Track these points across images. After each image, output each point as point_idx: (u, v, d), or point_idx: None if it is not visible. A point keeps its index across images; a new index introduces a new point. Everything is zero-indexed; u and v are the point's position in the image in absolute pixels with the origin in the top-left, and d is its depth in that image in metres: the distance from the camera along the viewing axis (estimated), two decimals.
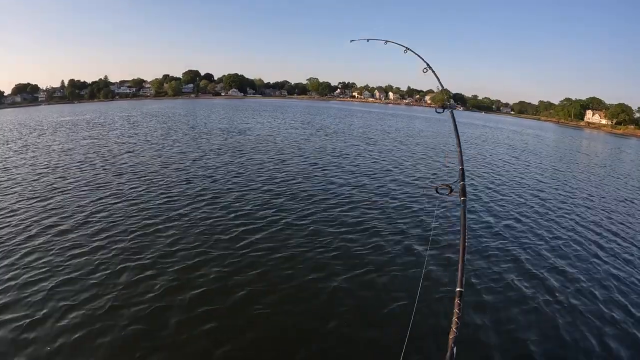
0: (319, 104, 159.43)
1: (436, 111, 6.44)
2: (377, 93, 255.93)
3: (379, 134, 50.34)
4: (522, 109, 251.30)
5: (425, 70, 7.30)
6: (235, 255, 12.35)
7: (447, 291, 10.34)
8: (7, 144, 38.12)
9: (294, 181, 21.95)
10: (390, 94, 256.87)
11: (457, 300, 3.23)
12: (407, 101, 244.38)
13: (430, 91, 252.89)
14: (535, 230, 16.23)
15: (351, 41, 11.06)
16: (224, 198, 18.46)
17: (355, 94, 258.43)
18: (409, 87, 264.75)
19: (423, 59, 7.58)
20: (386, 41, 9.53)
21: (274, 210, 16.79)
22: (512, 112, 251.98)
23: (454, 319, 3.09)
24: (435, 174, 26.02)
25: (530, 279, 11.73)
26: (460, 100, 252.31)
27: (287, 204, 17.77)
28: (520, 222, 17.08)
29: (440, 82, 7.70)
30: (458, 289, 3.32)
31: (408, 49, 8.46)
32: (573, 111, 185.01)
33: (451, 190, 4.55)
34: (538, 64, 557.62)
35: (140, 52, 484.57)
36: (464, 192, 4.51)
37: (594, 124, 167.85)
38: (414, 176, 24.57)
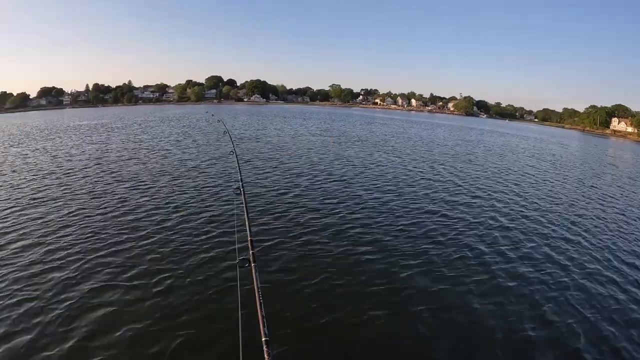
0: (341, 111, 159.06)
1: None
2: (399, 100, 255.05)
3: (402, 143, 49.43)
4: (545, 116, 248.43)
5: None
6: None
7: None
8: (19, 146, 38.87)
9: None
10: (413, 100, 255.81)
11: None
12: (429, 108, 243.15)
13: (453, 98, 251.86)
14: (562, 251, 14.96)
15: None
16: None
17: (377, 100, 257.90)
18: (431, 94, 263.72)
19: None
20: None
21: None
22: (536, 120, 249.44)
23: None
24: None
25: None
26: (483, 107, 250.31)
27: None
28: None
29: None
30: (263, 339, 3.40)
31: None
32: (598, 119, 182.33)
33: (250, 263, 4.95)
34: (562, 71, 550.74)
35: (164, 58, 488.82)
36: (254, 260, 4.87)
37: (620, 132, 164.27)
38: None
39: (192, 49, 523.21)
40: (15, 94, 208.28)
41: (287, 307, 9.70)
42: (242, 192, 8.90)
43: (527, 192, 23.76)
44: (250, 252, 5.12)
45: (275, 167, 26.77)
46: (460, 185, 23.95)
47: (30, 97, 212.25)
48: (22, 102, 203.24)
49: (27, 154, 33.67)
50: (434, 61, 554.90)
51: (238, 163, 12.77)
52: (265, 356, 3.22)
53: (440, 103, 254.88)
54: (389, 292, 10.68)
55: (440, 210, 18.24)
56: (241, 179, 10.27)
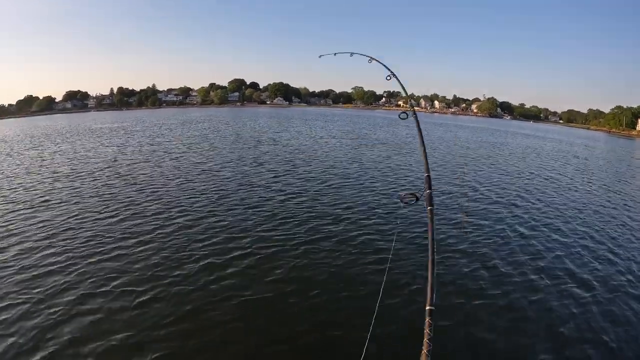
0: (363, 113, 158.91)
1: (400, 116, 6.19)
2: (422, 102, 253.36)
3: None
4: (570, 117, 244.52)
5: (388, 78, 7.36)
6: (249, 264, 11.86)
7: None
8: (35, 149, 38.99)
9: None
10: (436, 102, 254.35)
11: (427, 320, 3.02)
12: (453, 110, 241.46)
13: (476, 100, 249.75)
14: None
15: (320, 56, 10.79)
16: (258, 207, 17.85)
17: (400, 102, 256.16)
18: (455, 96, 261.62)
19: (387, 67, 7.62)
20: (352, 53, 9.49)
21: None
22: (561, 121, 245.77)
23: (425, 340, 2.92)
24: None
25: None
26: (507, 108, 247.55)
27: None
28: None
29: (404, 89, 7.57)
30: (428, 307, 3.10)
31: (373, 58, 8.41)
32: (624, 120, 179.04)
33: (417, 199, 4.26)
34: (587, 71, 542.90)
35: (188, 61, 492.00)
36: (430, 201, 4.17)
37: None
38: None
39: (216, 53, 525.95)
40: (41, 97, 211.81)
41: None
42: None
43: (548, 198, 22.91)
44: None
45: (288, 171, 26.57)
46: (478, 190, 23.31)
47: (56, 100, 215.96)
48: (48, 106, 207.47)
49: (44, 157, 34.18)
50: (457, 62, 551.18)
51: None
52: (426, 327, 2.99)
53: (464, 105, 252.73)
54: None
55: (455, 217, 17.64)
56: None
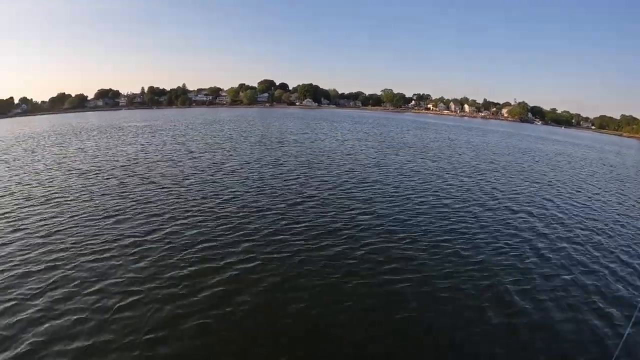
0: (392, 116, 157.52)
1: None
2: (452, 105, 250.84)
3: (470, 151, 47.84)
4: (603, 123, 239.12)
5: None
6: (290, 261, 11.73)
7: None
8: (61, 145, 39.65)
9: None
10: (466, 106, 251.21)
11: None
12: (483, 114, 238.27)
13: (507, 104, 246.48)
14: None
15: None
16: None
17: (430, 106, 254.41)
18: (485, 100, 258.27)
19: None
20: None
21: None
22: (593, 127, 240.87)
23: None
24: None
25: None
26: (538, 113, 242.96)
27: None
28: None
29: None
30: None
31: None
32: None
33: None
34: (620, 76, 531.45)
35: (219, 62, 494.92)
36: None
37: None
38: None
39: (246, 54, 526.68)
40: (73, 95, 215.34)
41: None
42: None
43: (574, 209, 21.95)
44: None
45: (305, 173, 26.32)
46: (498, 200, 22.43)
47: (88, 98, 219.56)
48: (80, 103, 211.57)
49: (66, 154, 34.70)
50: (488, 65, 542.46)
51: None
52: None
53: (494, 109, 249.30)
54: None
55: (466, 232, 16.75)
56: None
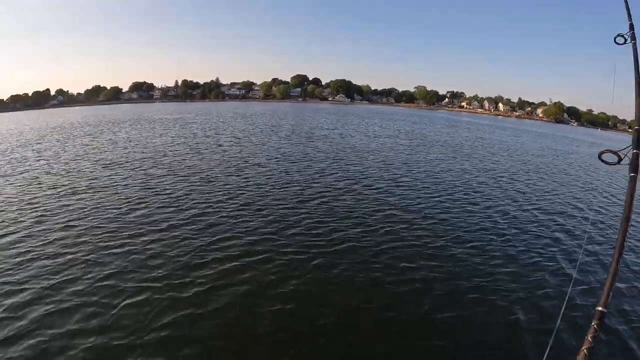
0: (425, 113, 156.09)
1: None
2: (486, 104, 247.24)
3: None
4: None
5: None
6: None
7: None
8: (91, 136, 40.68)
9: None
10: (500, 105, 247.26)
11: (593, 323, 2.73)
12: (517, 114, 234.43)
13: (542, 103, 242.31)
14: None
15: None
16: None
17: (463, 104, 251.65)
18: (519, 99, 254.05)
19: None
20: None
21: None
22: (630, 130, 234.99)
23: (583, 349, 2.61)
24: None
25: None
26: (574, 114, 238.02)
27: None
28: None
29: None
30: (599, 309, 2.80)
31: None
32: None
33: (619, 160, 3.50)
34: None
35: (252, 57, 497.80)
36: (636, 165, 3.33)
37: None
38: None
39: (280, 49, 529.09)
40: (108, 87, 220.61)
41: None
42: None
43: (609, 222, 20.64)
44: None
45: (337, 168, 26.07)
46: (529, 202, 21.41)
47: (123, 90, 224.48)
48: (114, 95, 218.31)
49: (95, 145, 35.87)
50: (523, 63, 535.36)
51: None
52: (592, 331, 2.71)
53: (529, 108, 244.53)
54: None
55: (496, 232, 16.19)
56: None
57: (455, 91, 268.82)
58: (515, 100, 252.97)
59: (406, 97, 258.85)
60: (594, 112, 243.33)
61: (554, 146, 59.72)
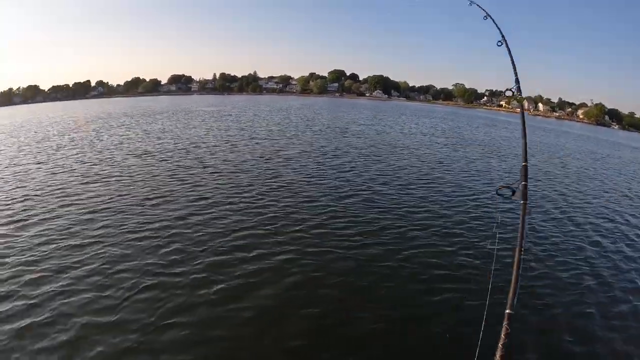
0: (463, 112, 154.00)
1: None
2: (525, 103, 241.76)
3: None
4: None
5: (499, 44, 6.88)
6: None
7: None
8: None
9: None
10: (540, 105, 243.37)
11: (504, 325, 3.06)
12: (557, 114, 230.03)
13: (583, 105, 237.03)
14: None
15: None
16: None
17: (502, 102, 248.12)
18: (560, 99, 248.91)
19: (500, 30, 7.13)
20: (470, 2, 9.06)
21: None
22: None
23: (499, 346, 2.93)
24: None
25: None
26: (615, 116, 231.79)
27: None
28: None
29: (513, 62, 6.61)
30: (507, 311, 3.14)
31: (488, 15, 7.92)
32: None
33: (513, 193, 4.19)
34: None
35: (290, 51, 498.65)
36: (525, 195, 4.06)
37: None
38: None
39: (317, 43, 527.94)
40: (147, 79, 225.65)
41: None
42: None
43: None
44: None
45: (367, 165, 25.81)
46: (567, 206, 20.68)
47: (161, 83, 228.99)
48: (153, 88, 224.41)
49: (129, 135, 36.41)
50: (566, 62, 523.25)
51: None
52: (503, 331, 3.02)
53: (569, 109, 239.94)
54: None
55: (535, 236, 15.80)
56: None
57: (494, 90, 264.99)
58: (555, 100, 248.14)
59: (444, 95, 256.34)
60: (636, 115, 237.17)
61: (596, 150, 58.14)
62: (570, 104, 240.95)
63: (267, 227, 13.99)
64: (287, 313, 9.08)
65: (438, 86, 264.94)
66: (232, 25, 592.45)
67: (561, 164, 35.91)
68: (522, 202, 3.91)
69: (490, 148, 41.22)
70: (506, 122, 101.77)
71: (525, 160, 4.37)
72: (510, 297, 3.15)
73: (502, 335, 2.94)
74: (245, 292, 9.77)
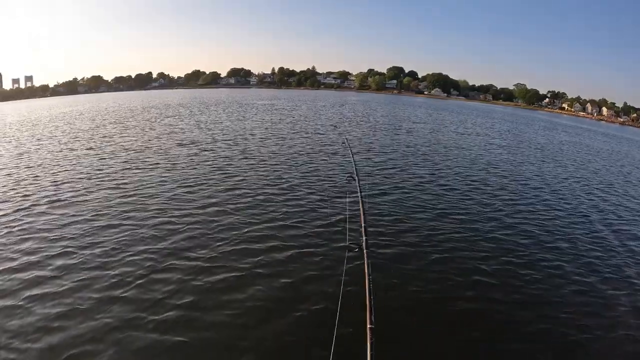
0: (523, 113, 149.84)
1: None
2: (589, 107, 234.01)
3: None
4: None
5: None
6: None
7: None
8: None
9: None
10: (604, 109, 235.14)
11: (369, 338, 3.26)
12: (622, 120, 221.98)
13: None
14: None
15: None
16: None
17: (564, 105, 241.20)
18: (625, 104, 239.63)
19: None
20: None
21: None
22: None
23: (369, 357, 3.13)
24: None
25: None
26: None
27: None
28: None
29: None
30: (369, 326, 3.35)
31: None
32: None
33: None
34: None
35: (348, 47, 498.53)
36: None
37: None
38: None
39: (377, 40, 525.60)
40: (207, 72, 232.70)
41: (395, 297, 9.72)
42: (357, 179, 9.41)
43: None
44: (364, 238, 5.05)
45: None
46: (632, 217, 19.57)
47: (221, 75, 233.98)
48: (213, 80, 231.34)
49: (179, 125, 37.68)
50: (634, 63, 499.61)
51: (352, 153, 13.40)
52: (368, 343, 3.17)
53: (634, 115, 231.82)
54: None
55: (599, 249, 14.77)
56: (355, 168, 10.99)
57: (556, 91, 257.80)
58: (620, 104, 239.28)
59: (504, 95, 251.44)
60: None
61: None
62: (636, 109, 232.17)
63: (290, 221, 14.28)
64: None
65: (498, 86, 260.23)
66: (290, 20, 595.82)
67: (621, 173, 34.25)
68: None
69: (551, 153, 39.72)
70: (565, 126, 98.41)
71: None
72: (368, 314, 3.50)
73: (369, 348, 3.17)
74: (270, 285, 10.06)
